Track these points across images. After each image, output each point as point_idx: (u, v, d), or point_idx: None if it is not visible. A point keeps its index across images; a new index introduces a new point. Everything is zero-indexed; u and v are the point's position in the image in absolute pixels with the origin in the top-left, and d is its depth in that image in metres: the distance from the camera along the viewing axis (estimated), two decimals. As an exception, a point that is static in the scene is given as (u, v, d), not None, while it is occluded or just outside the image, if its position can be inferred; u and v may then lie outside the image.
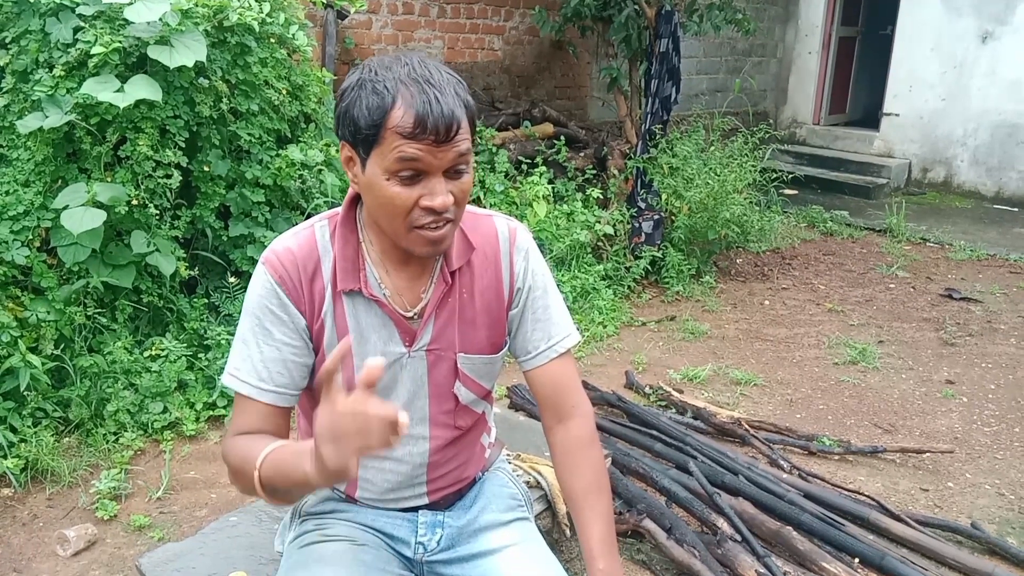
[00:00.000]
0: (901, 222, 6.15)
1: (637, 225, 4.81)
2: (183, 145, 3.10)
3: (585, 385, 3.33)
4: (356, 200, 1.25)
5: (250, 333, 1.23)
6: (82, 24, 2.94)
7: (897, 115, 7.98)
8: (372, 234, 1.24)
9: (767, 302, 4.72)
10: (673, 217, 4.90)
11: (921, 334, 4.24)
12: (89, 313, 2.98)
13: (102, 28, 2.92)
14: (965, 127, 7.54)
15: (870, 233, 6.25)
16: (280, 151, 3.43)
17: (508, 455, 1.71)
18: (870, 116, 8.58)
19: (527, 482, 1.73)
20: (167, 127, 3.05)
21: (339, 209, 1.26)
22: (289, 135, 3.59)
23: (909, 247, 5.86)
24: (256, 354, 1.22)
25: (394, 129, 1.08)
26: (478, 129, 5.18)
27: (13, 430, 2.67)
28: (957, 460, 2.96)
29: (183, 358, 3.08)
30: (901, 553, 2.30)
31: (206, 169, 3.22)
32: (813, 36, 8.64)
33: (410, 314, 1.26)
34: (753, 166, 4.94)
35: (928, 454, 2.95)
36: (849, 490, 2.64)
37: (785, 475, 2.68)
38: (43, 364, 2.74)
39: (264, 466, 1.10)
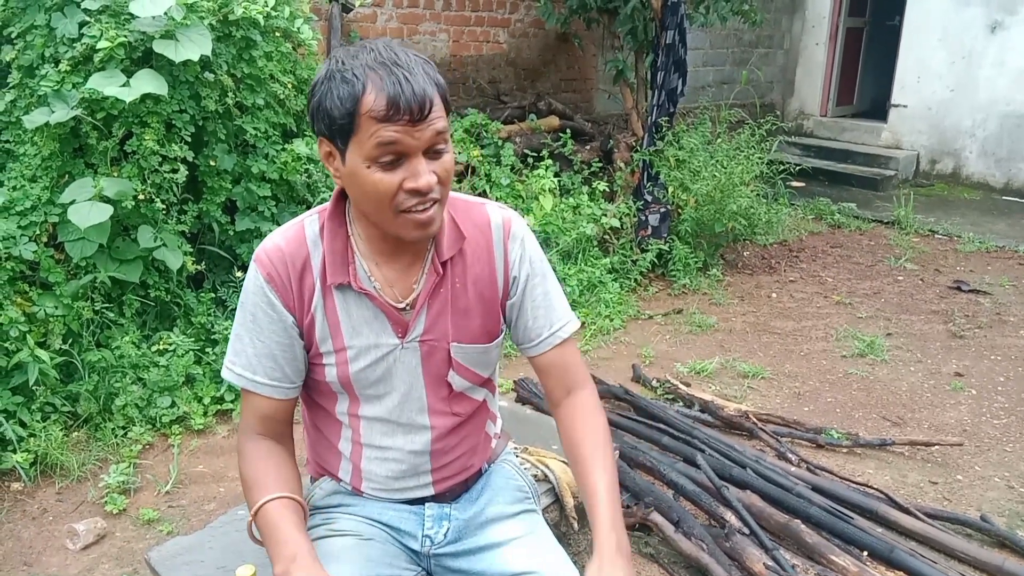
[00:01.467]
0: (909, 214, 6.11)
1: (643, 218, 4.79)
2: (189, 140, 3.10)
3: (592, 378, 3.32)
4: (343, 193, 1.26)
5: (243, 328, 1.26)
6: (87, 19, 2.94)
7: (905, 106, 7.94)
8: (360, 227, 1.25)
9: (774, 295, 4.70)
10: (680, 210, 4.88)
11: (930, 326, 4.22)
12: (97, 308, 2.99)
13: (107, 23, 2.92)
14: (974, 118, 7.49)
15: (878, 225, 6.22)
16: (286, 145, 3.43)
17: (515, 448, 1.71)
18: (878, 107, 8.53)
19: (535, 475, 1.72)
20: (173, 121, 3.05)
21: (328, 204, 1.26)
22: (295, 129, 3.59)
23: (917, 239, 5.83)
24: (249, 348, 1.25)
25: (368, 114, 1.08)
26: (484, 123, 5.16)
27: (22, 424, 2.68)
28: (966, 453, 2.94)
29: (190, 352, 3.08)
30: (910, 546, 2.29)
31: (212, 164, 3.22)
32: (820, 27, 8.59)
33: (402, 305, 1.26)
34: (760, 158, 4.91)
35: (937, 447, 2.93)
36: (857, 483, 2.63)
37: (793, 468, 2.68)
38: (51, 359, 2.75)
39: (258, 519, 1.22)
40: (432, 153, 1.13)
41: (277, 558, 1.16)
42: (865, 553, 2.22)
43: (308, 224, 1.26)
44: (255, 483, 1.24)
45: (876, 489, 2.56)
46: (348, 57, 1.11)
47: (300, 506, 1.25)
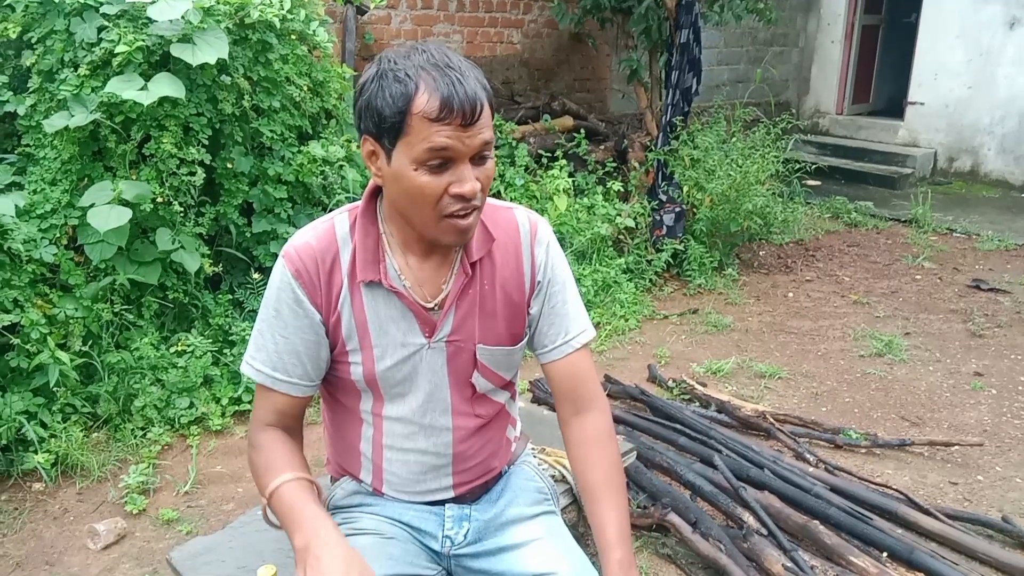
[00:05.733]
0: (927, 212, 6.06)
1: (658, 218, 4.78)
2: (206, 142, 3.12)
3: (608, 379, 3.32)
4: (376, 192, 1.26)
5: (266, 324, 1.25)
6: (106, 23, 2.97)
7: (922, 104, 7.87)
8: (393, 225, 1.25)
9: (791, 294, 4.68)
10: (695, 209, 4.87)
11: (948, 326, 4.18)
12: (116, 310, 3.02)
13: (126, 27, 2.94)
14: (992, 115, 7.41)
15: (895, 224, 6.17)
16: (302, 147, 3.45)
17: (533, 449, 1.71)
18: (894, 105, 8.46)
19: (552, 476, 1.72)
20: (190, 125, 3.08)
21: (359, 202, 1.27)
22: (310, 131, 3.60)
23: (935, 238, 5.78)
24: (271, 345, 1.25)
25: (420, 115, 1.08)
26: (498, 123, 5.17)
27: (43, 426, 2.71)
28: (987, 453, 2.92)
29: (208, 354, 3.11)
30: (930, 547, 2.27)
31: (229, 166, 3.24)
32: (836, 25, 8.53)
33: (430, 305, 1.26)
34: (775, 157, 4.89)
35: (957, 447, 2.91)
36: (876, 484, 2.61)
37: (811, 469, 2.66)
38: (71, 360, 2.77)
39: (274, 500, 1.22)
40: (477, 159, 1.14)
41: (297, 532, 1.14)
42: (885, 554, 2.20)
43: (338, 221, 1.26)
44: (268, 467, 1.24)
45: (895, 490, 2.54)
46: (400, 57, 1.12)
47: (315, 486, 1.25)
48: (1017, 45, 7.18)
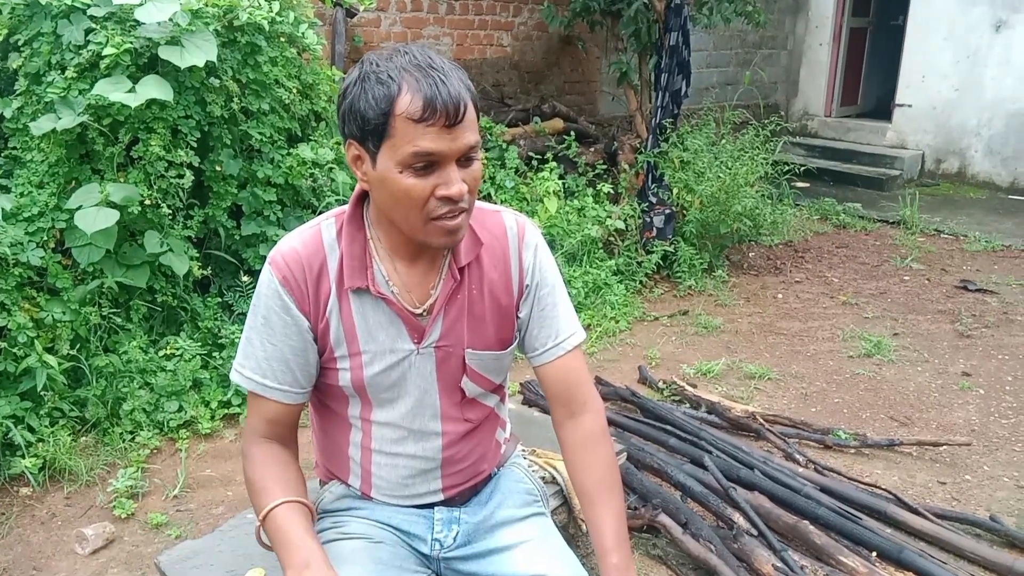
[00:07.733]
0: (915, 214, 6.09)
1: (648, 220, 4.79)
2: (195, 145, 3.11)
3: (598, 380, 3.32)
4: (362, 197, 1.25)
5: (255, 331, 1.25)
6: (93, 25, 2.95)
7: (910, 106, 7.92)
8: (380, 231, 1.24)
9: (780, 295, 4.69)
10: (684, 211, 4.88)
11: (937, 326, 4.20)
12: (104, 313, 3.00)
13: (113, 29, 2.93)
14: (979, 117, 7.47)
15: (884, 225, 6.21)
16: (291, 150, 3.44)
17: (523, 450, 1.71)
18: (882, 107, 8.52)
19: (542, 477, 1.72)
20: (179, 127, 3.06)
21: (346, 207, 1.26)
22: (300, 134, 3.60)
23: (923, 239, 5.81)
24: (260, 352, 1.24)
25: (403, 116, 1.07)
26: (488, 125, 5.17)
27: (31, 430, 2.69)
28: (975, 453, 2.93)
29: (197, 357, 3.09)
30: (919, 546, 2.28)
31: (218, 169, 3.23)
32: (824, 27, 8.58)
33: (419, 311, 1.26)
34: (764, 159, 4.91)
35: (945, 447, 2.92)
36: (866, 484, 2.63)
37: (801, 469, 2.67)
38: (59, 364, 2.76)
39: (267, 523, 1.22)
40: (463, 161, 1.13)
41: (289, 564, 1.15)
42: (874, 554, 2.21)
43: (325, 227, 1.25)
44: (262, 488, 1.24)
45: (884, 489, 2.56)
46: (382, 60, 1.11)
47: (308, 510, 1.25)
48: (1004, 47, 7.23)
